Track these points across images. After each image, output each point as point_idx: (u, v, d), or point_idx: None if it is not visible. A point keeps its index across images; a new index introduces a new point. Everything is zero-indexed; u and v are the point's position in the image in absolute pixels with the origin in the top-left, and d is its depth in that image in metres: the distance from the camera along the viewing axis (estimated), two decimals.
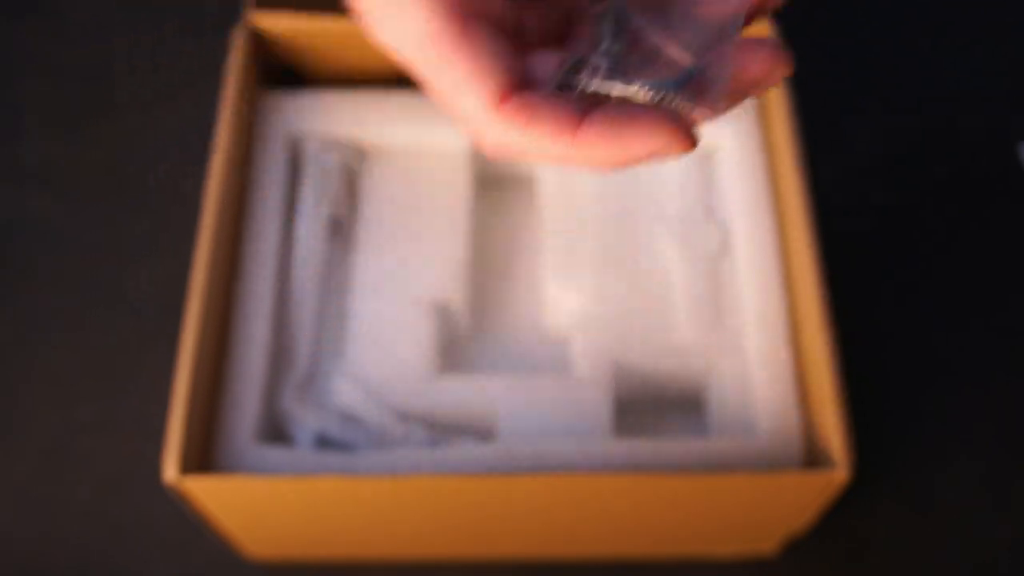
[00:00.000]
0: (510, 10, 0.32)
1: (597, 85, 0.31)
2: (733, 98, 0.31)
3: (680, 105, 0.30)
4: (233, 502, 0.53)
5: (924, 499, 0.67)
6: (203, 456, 0.54)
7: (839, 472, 0.50)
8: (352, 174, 0.65)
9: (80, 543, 0.65)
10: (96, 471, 0.67)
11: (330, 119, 0.64)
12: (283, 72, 0.68)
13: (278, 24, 0.64)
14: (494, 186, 0.70)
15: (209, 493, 0.51)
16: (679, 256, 0.62)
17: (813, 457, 0.55)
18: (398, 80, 0.68)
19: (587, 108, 0.30)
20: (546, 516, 0.56)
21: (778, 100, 0.62)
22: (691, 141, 0.30)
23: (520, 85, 0.30)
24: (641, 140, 0.29)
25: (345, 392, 0.57)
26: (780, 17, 0.61)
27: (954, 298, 0.73)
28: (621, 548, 0.64)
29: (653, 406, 0.65)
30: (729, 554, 0.65)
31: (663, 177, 0.65)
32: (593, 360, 0.59)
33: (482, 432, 0.58)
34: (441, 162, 0.65)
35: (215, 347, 0.56)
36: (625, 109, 0.30)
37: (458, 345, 0.65)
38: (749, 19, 0.31)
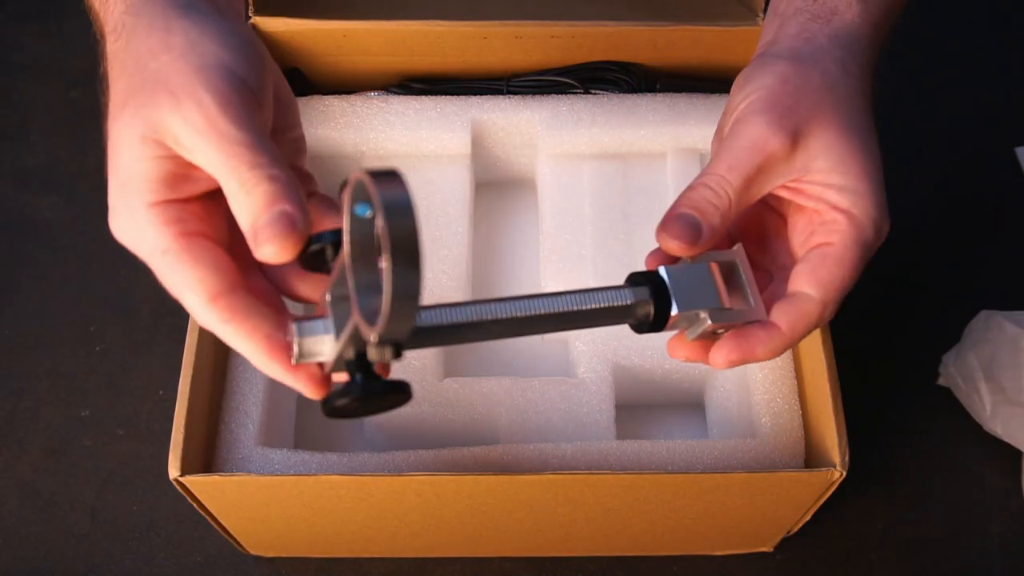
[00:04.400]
0: (231, 235, 0.41)
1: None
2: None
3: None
4: (234, 501, 0.54)
5: (918, 497, 0.67)
6: (206, 456, 0.54)
7: (837, 472, 0.50)
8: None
9: (84, 539, 0.65)
10: (100, 469, 0.67)
11: (331, 122, 0.65)
12: (286, 76, 0.68)
13: (279, 28, 0.64)
14: (494, 187, 0.71)
15: (211, 492, 0.52)
16: None
17: (811, 457, 0.55)
18: (398, 84, 0.68)
19: (275, 324, 0.39)
20: (547, 516, 0.56)
21: None
22: (320, 396, 0.40)
23: (233, 291, 0.39)
24: (296, 385, 0.40)
25: None
26: None
27: (953, 299, 0.73)
28: (621, 548, 0.64)
29: (653, 407, 0.65)
30: (727, 554, 0.65)
31: (663, 178, 0.65)
32: (594, 362, 0.59)
33: (484, 433, 0.58)
34: (441, 164, 0.66)
35: (218, 348, 0.56)
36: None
37: (460, 347, 0.65)
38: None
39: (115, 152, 0.39)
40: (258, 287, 0.42)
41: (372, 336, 0.34)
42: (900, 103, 0.84)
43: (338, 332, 0.38)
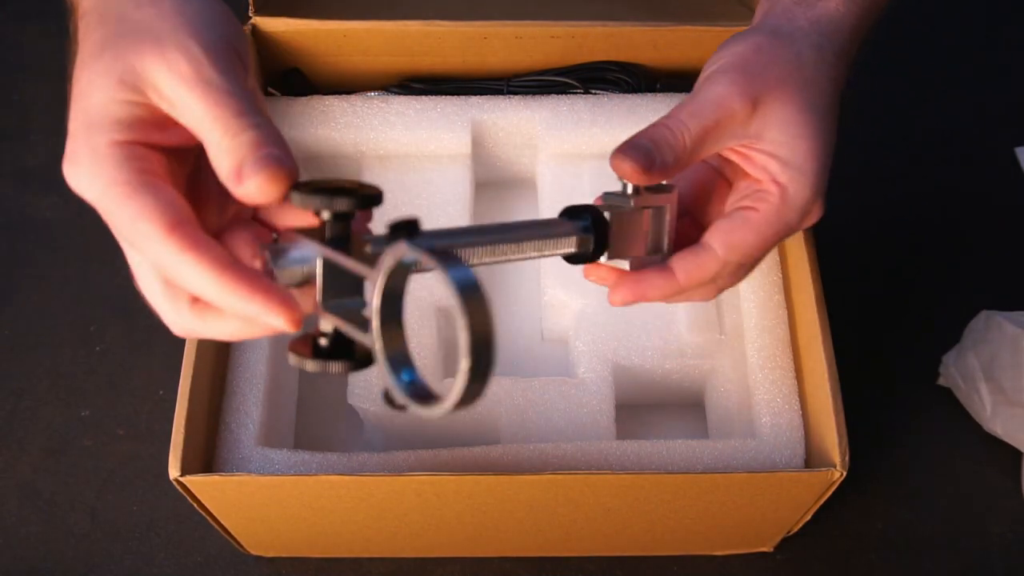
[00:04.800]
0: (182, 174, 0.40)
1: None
2: None
3: None
4: (234, 501, 0.53)
5: (918, 497, 0.67)
6: (206, 456, 0.54)
7: (837, 472, 0.50)
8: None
9: (84, 539, 0.65)
10: (100, 469, 0.67)
11: (331, 122, 0.65)
12: (285, 75, 0.68)
13: (279, 28, 0.64)
14: (494, 187, 0.71)
15: (211, 492, 0.52)
16: None
17: (811, 457, 0.55)
18: (398, 84, 0.68)
19: (231, 256, 0.37)
20: (547, 516, 0.56)
21: None
22: (295, 323, 0.37)
23: (193, 223, 0.37)
24: (266, 310, 0.36)
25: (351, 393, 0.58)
26: None
27: (953, 299, 0.73)
28: (621, 548, 0.64)
29: (653, 407, 0.65)
30: (727, 554, 0.65)
31: None
32: (594, 362, 0.59)
33: (484, 433, 0.58)
34: (441, 164, 0.66)
35: (218, 348, 0.56)
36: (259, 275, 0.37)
37: (459, 346, 0.65)
38: None
39: (84, 96, 0.38)
40: None
41: (414, 405, 0.35)
42: (900, 103, 0.84)
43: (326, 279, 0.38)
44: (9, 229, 0.78)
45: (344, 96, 0.66)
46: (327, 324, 0.37)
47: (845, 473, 0.50)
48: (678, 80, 0.67)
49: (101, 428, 0.69)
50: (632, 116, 0.65)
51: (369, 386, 0.58)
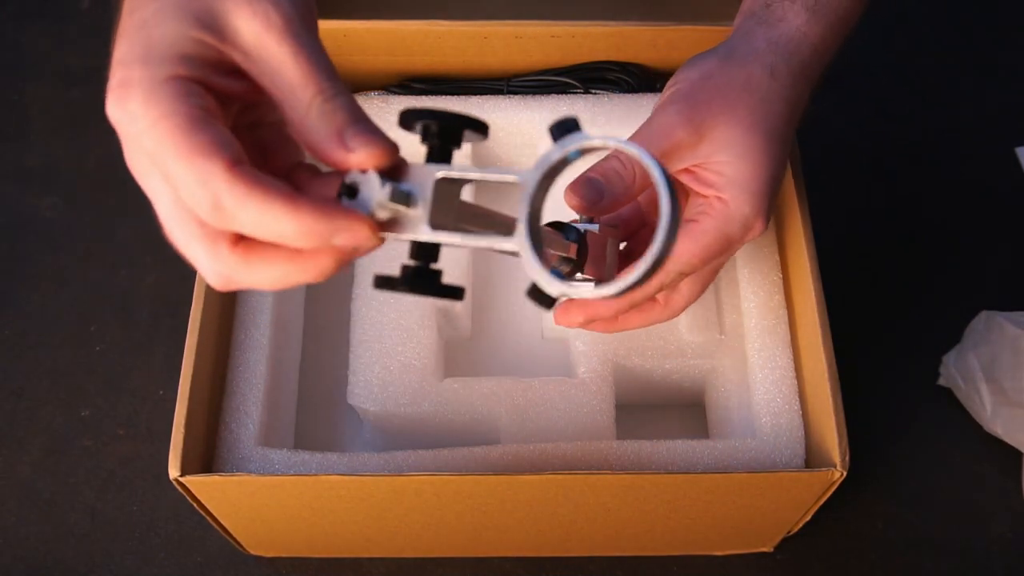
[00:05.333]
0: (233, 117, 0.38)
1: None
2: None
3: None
4: (234, 501, 0.53)
5: (918, 497, 0.67)
6: (206, 456, 0.54)
7: (837, 472, 0.50)
8: None
9: (84, 539, 0.65)
10: (100, 469, 0.67)
11: None
12: None
13: None
14: (494, 187, 0.71)
15: (211, 492, 0.52)
16: None
17: (811, 457, 0.55)
18: (398, 84, 0.68)
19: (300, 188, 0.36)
20: (547, 516, 0.56)
21: None
22: (378, 239, 0.36)
23: (246, 162, 0.34)
24: (345, 226, 0.34)
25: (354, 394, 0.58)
26: None
27: (953, 299, 0.73)
28: (621, 548, 0.64)
29: (653, 407, 0.65)
30: (727, 554, 0.65)
31: None
32: (594, 362, 0.59)
33: (484, 433, 0.58)
34: None
35: (218, 348, 0.56)
36: (330, 200, 0.36)
37: (460, 347, 0.65)
38: None
39: (148, 26, 0.36)
40: None
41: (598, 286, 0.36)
42: (900, 103, 0.84)
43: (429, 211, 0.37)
44: (9, 229, 0.78)
45: None
46: (428, 238, 0.36)
47: (845, 473, 0.50)
48: None
49: (101, 428, 0.69)
50: (632, 116, 0.65)
51: (369, 386, 0.58)
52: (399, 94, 0.67)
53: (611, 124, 0.64)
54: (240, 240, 0.35)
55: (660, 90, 0.67)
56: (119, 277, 0.75)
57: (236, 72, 0.36)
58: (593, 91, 0.67)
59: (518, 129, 0.66)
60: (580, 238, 0.47)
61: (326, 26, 0.64)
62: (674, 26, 0.64)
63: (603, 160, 0.48)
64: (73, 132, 0.82)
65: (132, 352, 0.72)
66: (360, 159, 0.36)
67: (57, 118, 0.83)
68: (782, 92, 0.48)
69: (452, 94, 0.66)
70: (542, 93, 0.66)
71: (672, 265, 0.48)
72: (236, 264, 0.36)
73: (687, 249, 0.48)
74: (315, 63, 0.36)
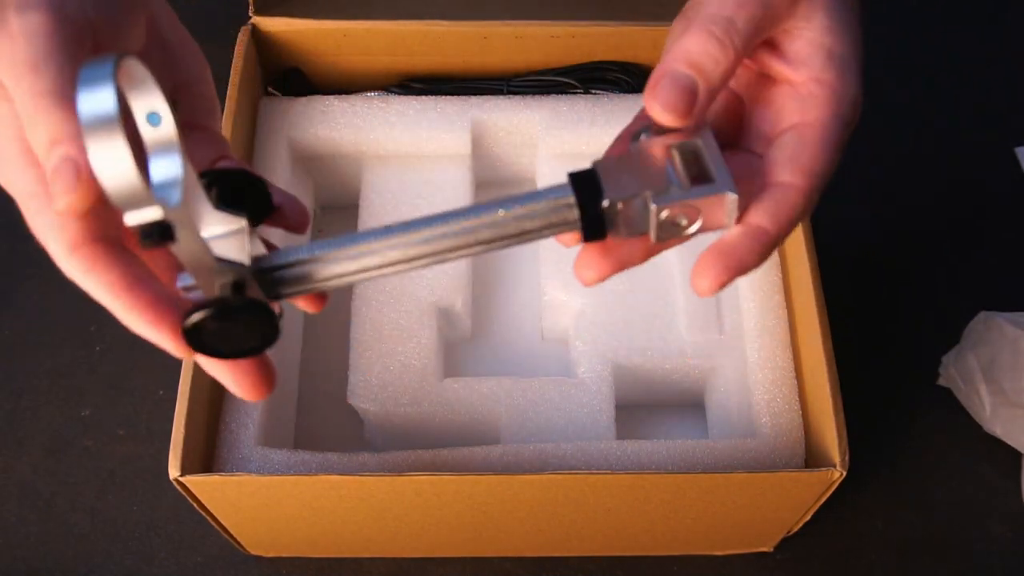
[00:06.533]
0: None
1: None
2: None
3: None
4: (234, 501, 0.53)
5: (918, 497, 0.67)
6: (206, 456, 0.54)
7: (837, 472, 0.50)
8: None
9: (84, 539, 0.65)
10: (100, 469, 0.67)
11: (331, 122, 0.65)
12: (285, 75, 0.68)
13: (279, 28, 0.64)
14: (494, 187, 0.71)
15: (211, 492, 0.52)
16: (679, 258, 0.62)
17: (811, 457, 0.55)
18: (398, 84, 0.68)
19: (142, 275, 0.37)
20: (547, 516, 0.56)
21: None
22: (187, 353, 0.37)
23: (96, 241, 0.36)
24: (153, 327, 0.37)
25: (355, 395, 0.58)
26: None
27: (953, 299, 0.73)
28: (621, 548, 0.64)
29: (653, 407, 0.65)
30: (727, 554, 0.65)
31: None
32: (594, 362, 0.59)
33: (484, 433, 0.58)
34: (441, 164, 0.66)
35: None
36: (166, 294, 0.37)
37: (460, 348, 0.65)
38: None
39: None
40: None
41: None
42: (900, 103, 0.84)
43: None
44: (9, 229, 0.77)
45: (344, 96, 0.66)
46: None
47: (845, 473, 0.50)
48: None
49: (101, 428, 0.69)
50: (632, 116, 0.65)
51: (369, 386, 0.58)
52: (399, 94, 0.67)
53: (611, 124, 0.64)
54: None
55: None
56: None
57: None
58: (593, 91, 0.67)
59: (518, 129, 0.66)
60: (584, 185, 0.35)
61: (326, 26, 0.64)
62: None
63: (687, 36, 0.36)
64: None
65: (132, 352, 0.72)
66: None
67: None
68: None
69: (452, 94, 0.66)
70: (542, 93, 0.66)
71: (816, 180, 0.38)
72: (73, 270, 0.37)
73: (824, 159, 0.38)
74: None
